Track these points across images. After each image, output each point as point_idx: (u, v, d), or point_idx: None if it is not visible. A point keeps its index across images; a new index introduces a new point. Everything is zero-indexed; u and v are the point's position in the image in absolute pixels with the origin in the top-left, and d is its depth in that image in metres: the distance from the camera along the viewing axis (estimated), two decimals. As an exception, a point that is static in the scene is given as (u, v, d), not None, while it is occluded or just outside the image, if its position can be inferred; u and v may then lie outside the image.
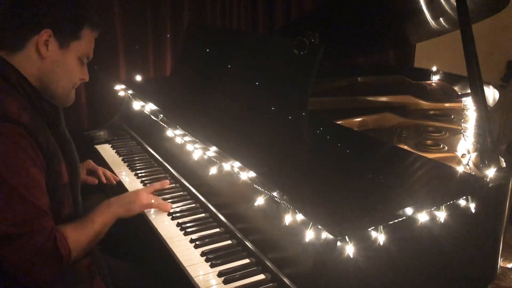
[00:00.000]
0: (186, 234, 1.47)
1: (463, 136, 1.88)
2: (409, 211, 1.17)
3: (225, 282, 1.25)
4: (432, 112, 2.36)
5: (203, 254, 1.36)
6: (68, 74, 1.29)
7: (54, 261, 1.17)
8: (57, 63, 1.25)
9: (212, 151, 1.57)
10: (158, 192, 1.72)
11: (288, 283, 1.18)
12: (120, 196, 1.51)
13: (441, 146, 1.89)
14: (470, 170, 1.56)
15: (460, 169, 1.48)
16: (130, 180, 1.87)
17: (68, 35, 1.26)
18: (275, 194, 1.27)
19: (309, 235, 1.14)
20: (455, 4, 1.54)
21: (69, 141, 1.36)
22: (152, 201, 1.56)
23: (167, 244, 1.42)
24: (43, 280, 1.17)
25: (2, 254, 1.11)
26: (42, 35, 1.21)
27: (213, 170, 1.56)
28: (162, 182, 1.71)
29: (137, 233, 1.63)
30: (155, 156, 2.02)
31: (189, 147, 1.72)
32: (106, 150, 2.18)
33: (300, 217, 1.18)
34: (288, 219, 1.22)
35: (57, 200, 1.25)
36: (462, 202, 1.27)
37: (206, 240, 1.43)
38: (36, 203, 1.14)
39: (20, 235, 1.11)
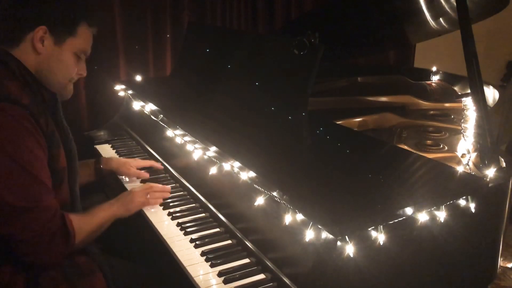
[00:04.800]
0: (186, 234, 1.47)
1: (463, 136, 1.88)
2: (409, 211, 1.17)
3: (225, 281, 1.25)
4: (432, 112, 2.36)
5: (203, 253, 1.36)
6: (64, 69, 1.33)
7: (62, 238, 1.20)
8: (52, 58, 1.30)
9: (212, 151, 1.57)
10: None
11: (288, 283, 1.18)
12: (119, 197, 1.55)
13: (441, 146, 1.89)
14: (470, 170, 1.56)
15: (460, 169, 1.47)
16: (130, 180, 1.87)
17: (63, 32, 1.30)
18: (275, 194, 1.27)
19: (309, 235, 1.14)
20: (455, 4, 1.54)
21: (67, 131, 1.40)
22: (148, 196, 1.60)
23: (167, 244, 1.42)
24: (49, 258, 1.20)
25: (10, 229, 1.13)
26: (37, 31, 1.26)
27: (213, 170, 1.56)
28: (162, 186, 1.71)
29: (137, 233, 1.63)
30: (155, 156, 2.02)
31: (189, 147, 1.72)
32: (106, 150, 2.18)
33: (300, 217, 1.18)
34: (288, 219, 1.22)
35: (55, 184, 1.28)
36: (462, 202, 1.27)
37: (206, 240, 1.43)
38: (42, 179, 1.18)
39: (28, 209, 1.14)
